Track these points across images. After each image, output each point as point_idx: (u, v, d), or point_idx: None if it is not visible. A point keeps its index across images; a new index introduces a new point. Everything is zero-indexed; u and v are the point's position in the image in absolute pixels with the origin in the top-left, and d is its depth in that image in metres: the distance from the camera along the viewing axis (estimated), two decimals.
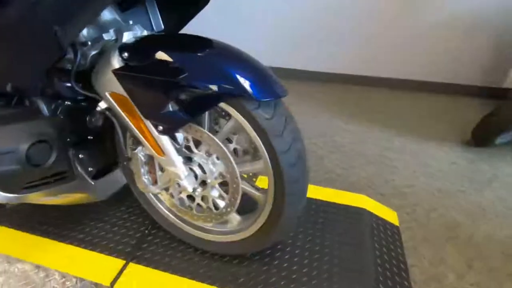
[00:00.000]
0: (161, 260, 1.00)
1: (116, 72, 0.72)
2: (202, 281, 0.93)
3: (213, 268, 0.97)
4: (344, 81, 2.57)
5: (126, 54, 0.73)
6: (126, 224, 1.12)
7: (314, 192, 1.30)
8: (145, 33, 0.84)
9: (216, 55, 0.71)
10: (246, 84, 0.67)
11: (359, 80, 2.54)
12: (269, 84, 0.71)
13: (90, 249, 1.03)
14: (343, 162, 1.58)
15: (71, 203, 0.96)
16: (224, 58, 0.71)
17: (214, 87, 0.67)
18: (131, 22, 0.82)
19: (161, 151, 0.79)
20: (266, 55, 2.55)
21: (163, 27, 0.96)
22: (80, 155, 0.86)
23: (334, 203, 1.23)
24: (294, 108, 2.02)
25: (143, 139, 0.79)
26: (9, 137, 0.65)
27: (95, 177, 0.92)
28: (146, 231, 1.09)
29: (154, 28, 0.95)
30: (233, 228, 0.94)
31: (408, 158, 1.63)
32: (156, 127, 0.76)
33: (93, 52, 0.78)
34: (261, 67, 0.72)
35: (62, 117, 0.80)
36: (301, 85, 2.55)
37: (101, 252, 1.02)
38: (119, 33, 0.78)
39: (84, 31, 0.77)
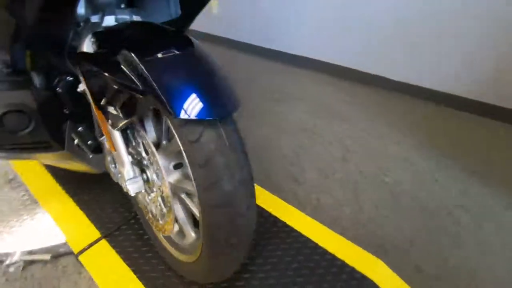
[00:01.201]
0: (127, 248, 1.00)
1: (78, 55, 0.70)
2: (146, 284, 0.89)
3: (171, 277, 0.91)
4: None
5: (92, 40, 0.70)
6: (123, 201, 1.17)
7: (322, 236, 1.05)
8: (136, 19, 0.79)
9: (165, 61, 0.60)
10: (170, 95, 0.54)
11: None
12: (203, 101, 0.55)
13: (82, 208, 1.12)
14: (386, 207, 1.23)
15: (74, 170, 1.06)
16: (170, 64, 0.59)
17: (141, 88, 0.57)
18: (122, 6, 0.79)
19: (113, 146, 0.75)
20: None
21: (179, 12, 0.91)
22: (79, 128, 0.92)
23: (340, 260, 0.96)
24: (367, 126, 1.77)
25: (102, 129, 0.77)
26: None
27: (95, 151, 0.97)
28: (132, 214, 1.11)
29: (172, 13, 0.90)
30: (188, 246, 0.84)
31: (493, 226, 1.13)
32: (107, 120, 0.72)
33: (85, 32, 0.78)
34: (208, 82, 0.57)
35: (59, 91, 0.86)
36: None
37: (88, 216, 1.10)
38: (102, 17, 0.75)
39: (79, 10, 0.77)
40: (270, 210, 1.14)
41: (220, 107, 0.56)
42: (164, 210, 0.76)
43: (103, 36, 0.69)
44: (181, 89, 0.55)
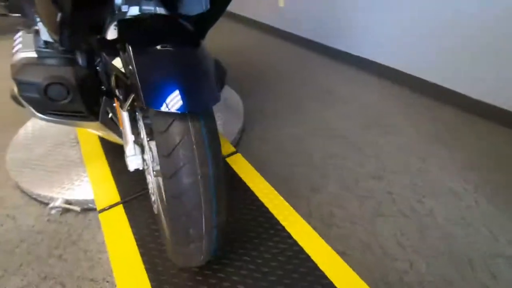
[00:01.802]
0: (138, 217, 1.12)
1: (98, 40, 0.79)
2: (142, 253, 0.98)
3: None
4: None
5: (114, 28, 0.78)
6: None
7: (318, 251, 0.99)
8: (159, 11, 0.84)
9: (154, 53, 0.63)
10: (146, 86, 0.57)
11: None
12: (175, 95, 0.57)
13: (113, 174, 1.28)
14: (407, 237, 1.08)
15: (110, 140, 1.21)
16: (158, 57, 0.62)
17: (127, 77, 0.62)
18: None
19: (121, 124, 0.84)
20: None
21: (208, 6, 0.94)
22: (113, 104, 1.05)
23: (328, 280, 0.90)
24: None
25: (116, 108, 0.86)
26: (37, 73, 0.89)
27: None
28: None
29: (202, 7, 0.94)
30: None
31: None
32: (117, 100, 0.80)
33: (112, 20, 0.87)
34: (187, 77, 0.59)
35: (98, 69, 0.99)
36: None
37: (116, 181, 1.26)
38: (129, 7, 0.83)
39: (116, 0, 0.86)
40: (274, 213, 1.12)
41: (190, 102, 0.57)
42: (155, 191, 0.82)
43: (121, 25, 0.76)
44: (157, 81, 0.58)
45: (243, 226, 1.07)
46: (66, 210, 1.23)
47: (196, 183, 0.59)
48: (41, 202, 1.27)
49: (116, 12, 0.86)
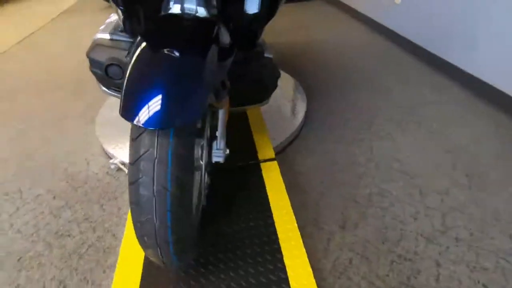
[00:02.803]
0: None
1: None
2: None
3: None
4: None
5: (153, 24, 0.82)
6: None
7: None
8: (199, 12, 0.84)
9: (149, 61, 0.64)
10: (126, 94, 0.59)
11: None
12: (148, 109, 0.56)
13: None
14: None
15: None
16: (151, 65, 0.63)
17: None
18: None
19: None
20: None
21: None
22: None
23: None
24: None
25: None
26: (102, 54, 1.02)
27: None
28: None
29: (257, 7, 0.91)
30: None
31: None
32: None
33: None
34: (169, 92, 0.57)
35: None
36: None
37: None
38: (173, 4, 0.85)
39: None
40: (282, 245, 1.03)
41: (161, 119, 0.56)
42: None
43: (153, 22, 0.79)
44: (137, 91, 0.58)
45: (242, 237, 1.04)
46: (119, 169, 1.45)
47: (150, 198, 0.59)
48: (108, 157, 1.53)
49: (166, 8, 0.89)
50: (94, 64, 1.04)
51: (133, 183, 0.60)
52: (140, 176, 0.59)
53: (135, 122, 0.56)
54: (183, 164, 0.62)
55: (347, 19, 3.27)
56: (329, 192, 1.27)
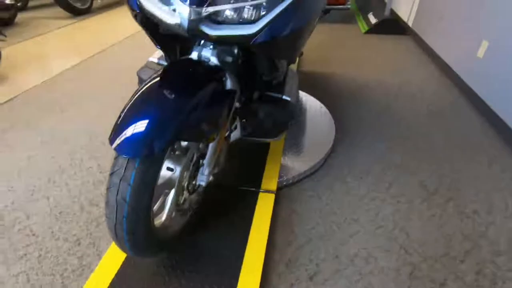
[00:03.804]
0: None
1: None
2: None
3: None
4: None
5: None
6: None
7: None
8: (212, 61, 1.00)
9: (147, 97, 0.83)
10: (119, 122, 0.79)
11: None
12: (129, 136, 0.75)
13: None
14: None
15: None
16: (148, 101, 0.82)
17: None
18: (210, 47, 1.01)
19: None
20: None
21: None
22: None
23: None
24: None
25: None
26: (146, 74, 1.28)
27: None
28: None
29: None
30: None
31: None
32: None
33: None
34: (150, 123, 0.75)
35: None
36: None
37: None
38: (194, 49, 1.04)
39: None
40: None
41: (129, 149, 0.74)
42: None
43: (173, 63, 0.98)
44: (121, 121, 0.78)
45: (211, 253, 1.17)
46: None
47: (114, 204, 0.79)
48: None
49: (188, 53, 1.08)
50: (140, 81, 1.32)
51: (107, 188, 0.81)
52: (110, 186, 0.79)
53: (113, 147, 0.76)
54: (143, 184, 0.79)
55: (423, 59, 3.02)
56: (315, 240, 1.29)
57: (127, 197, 0.77)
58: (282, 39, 0.87)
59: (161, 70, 0.93)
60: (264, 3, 0.80)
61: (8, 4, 4.06)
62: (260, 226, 1.29)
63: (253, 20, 0.82)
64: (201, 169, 1.08)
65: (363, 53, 3.22)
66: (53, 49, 3.53)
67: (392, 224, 1.35)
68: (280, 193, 1.50)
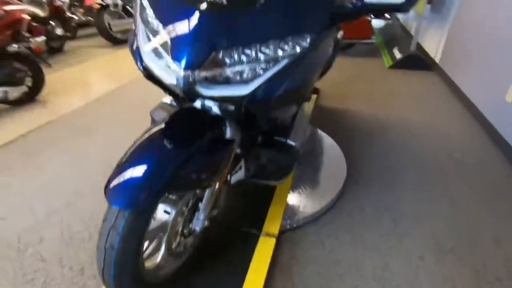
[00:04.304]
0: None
1: None
2: None
3: None
4: None
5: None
6: None
7: None
8: (214, 109, 1.05)
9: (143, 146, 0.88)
10: (112, 174, 0.84)
11: None
12: (119, 187, 0.79)
13: None
14: None
15: None
16: (145, 152, 0.86)
17: None
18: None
19: None
20: None
21: None
22: None
23: None
24: None
25: None
26: (158, 114, 1.36)
27: None
28: None
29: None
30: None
31: None
32: None
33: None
34: (130, 171, 0.79)
35: None
36: None
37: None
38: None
39: None
40: None
41: (117, 200, 0.78)
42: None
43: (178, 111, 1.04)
44: (114, 173, 0.82)
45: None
46: None
47: (103, 248, 0.82)
48: None
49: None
50: (152, 121, 1.39)
51: (99, 233, 0.85)
52: (102, 231, 0.83)
53: (105, 196, 0.81)
54: (132, 233, 0.82)
55: (449, 97, 2.90)
56: None
57: (116, 245, 0.80)
58: (276, 98, 0.89)
59: (165, 119, 0.98)
60: (257, 65, 0.84)
61: (59, 35, 4.55)
62: (257, 272, 1.26)
63: (247, 80, 0.85)
64: (196, 213, 1.10)
65: (385, 89, 3.17)
66: (93, 75, 3.87)
67: (397, 281, 1.26)
68: (282, 236, 1.47)
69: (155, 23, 0.84)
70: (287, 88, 0.89)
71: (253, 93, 0.85)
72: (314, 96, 2.74)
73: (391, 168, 1.95)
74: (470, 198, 1.69)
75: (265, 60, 0.83)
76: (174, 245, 1.09)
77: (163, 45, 0.83)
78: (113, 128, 2.51)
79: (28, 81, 2.87)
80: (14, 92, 2.72)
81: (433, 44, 3.59)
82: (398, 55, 3.85)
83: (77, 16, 5.36)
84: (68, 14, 4.95)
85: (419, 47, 3.86)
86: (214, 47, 0.78)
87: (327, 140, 2.14)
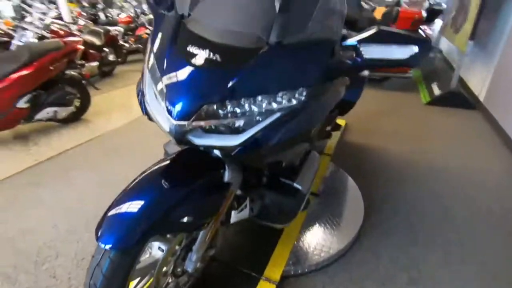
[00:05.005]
0: None
1: None
2: None
3: None
4: None
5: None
6: None
7: None
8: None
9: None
10: (106, 212, 0.87)
11: None
12: (108, 225, 0.82)
13: None
14: None
15: None
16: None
17: None
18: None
19: None
20: None
21: None
22: None
23: None
24: None
25: None
26: (171, 149, 1.40)
27: None
28: None
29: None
30: None
31: None
32: None
33: None
34: (121, 212, 0.82)
35: None
36: None
37: None
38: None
39: None
40: None
41: (104, 240, 0.80)
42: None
43: (180, 151, 1.07)
44: (106, 213, 0.86)
45: None
46: None
47: (87, 284, 0.84)
48: None
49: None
50: (165, 154, 1.45)
51: (87, 270, 0.88)
52: (89, 268, 0.86)
53: (95, 231, 0.84)
54: (116, 274, 0.83)
55: (494, 141, 2.63)
56: None
57: (98, 284, 0.82)
58: (269, 148, 0.88)
59: (172, 155, 1.02)
60: (249, 118, 0.84)
61: (111, 60, 5.06)
62: None
63: (238, 131, 0.86)
64: (190, 254, 1.09)
65: (419, 127, 2.99)
66: (134, 99, 4.19)
67: None
68: (284, 283, 1.39)
69: (157, 72, 0.89)
70: (282, 138, 0.87)
71: (243, 144, 0.85)
72: (337, 132, 2.66)
73: (417, 218, 1.78)
74: (505, 266, 1.47)
75: (258, 113, 0.84)
76: (163, 284, 1.08)
77: (161, 93, 0.87)
78: (143, 151, 2.65)
79: (76, 102, 3.19)
80: (63, 112, 3.03)
81: (477, 81, 3.35)
82: (437, 91, 3.64)
83: (128, 44, 5.93)
84: (121, 42, 5.51)
85: (462, 83, 3.63)
86: (206, 100, 0.81)
87: (347, 180, 2.05)
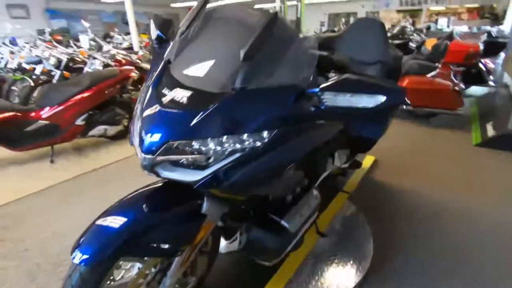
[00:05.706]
0: None
1: None
2: None
3: None
4: None
5: None
6: None
7: None
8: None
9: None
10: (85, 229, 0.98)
11: None
12: (82, 241, 0.92)
13: None
14: None
15: None
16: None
17: None
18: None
19: None
20: None
21: None
22: None
23: None
24: None
25: None
26: None
27: None
28: None
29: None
30: None
31: None
32: None
33: None
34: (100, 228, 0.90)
35: None
36: None
37: None
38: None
39: None
40: None
41: (75, 257, 0.89)
42: None
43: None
44: (89, 227, 0.95)
45: None
46: None
47: None
48: None
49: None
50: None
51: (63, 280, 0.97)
52: (64, 280, 0.95)
53: (72, 258, 0.92)
54: (83, 286, 0.91)
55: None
56: None
57: None
58: (230, 186, 0.90)
59: (154, 184, 1.10)
60: (211, 156, 0.88)
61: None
62: None
63: (203, 167, 0.90)
64: (164, 279, 1.13)
65: (462, 170, 2.67)
66: None
67: None
68: None
69: (139, 108, 1.01)
70: (244, 177, 0.89)
71: (204, 179, 0.89)
72: (360, 170, 2.52)
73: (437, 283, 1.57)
74: None
75: (221, 152, 0.88)
76: None
77: (137, 128, 0.98)
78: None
79: (125, 122, 3.59)
80: (112, 130, 3.43)
81: None
82: (490, 131, 3.23)
83: None
84: None
85: None
86: (170, 137, 0.88)
87: (363, 224, 1.90)
